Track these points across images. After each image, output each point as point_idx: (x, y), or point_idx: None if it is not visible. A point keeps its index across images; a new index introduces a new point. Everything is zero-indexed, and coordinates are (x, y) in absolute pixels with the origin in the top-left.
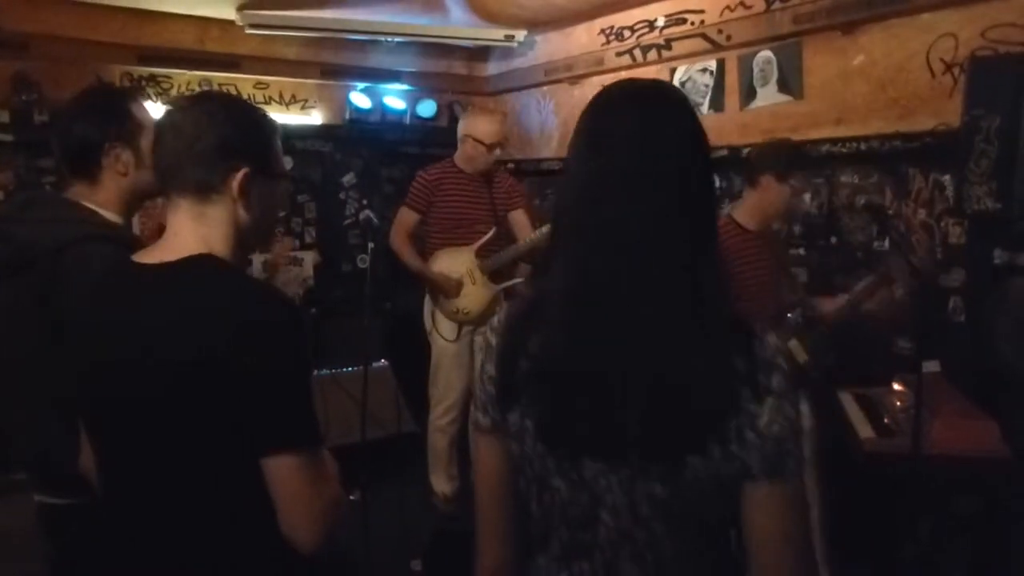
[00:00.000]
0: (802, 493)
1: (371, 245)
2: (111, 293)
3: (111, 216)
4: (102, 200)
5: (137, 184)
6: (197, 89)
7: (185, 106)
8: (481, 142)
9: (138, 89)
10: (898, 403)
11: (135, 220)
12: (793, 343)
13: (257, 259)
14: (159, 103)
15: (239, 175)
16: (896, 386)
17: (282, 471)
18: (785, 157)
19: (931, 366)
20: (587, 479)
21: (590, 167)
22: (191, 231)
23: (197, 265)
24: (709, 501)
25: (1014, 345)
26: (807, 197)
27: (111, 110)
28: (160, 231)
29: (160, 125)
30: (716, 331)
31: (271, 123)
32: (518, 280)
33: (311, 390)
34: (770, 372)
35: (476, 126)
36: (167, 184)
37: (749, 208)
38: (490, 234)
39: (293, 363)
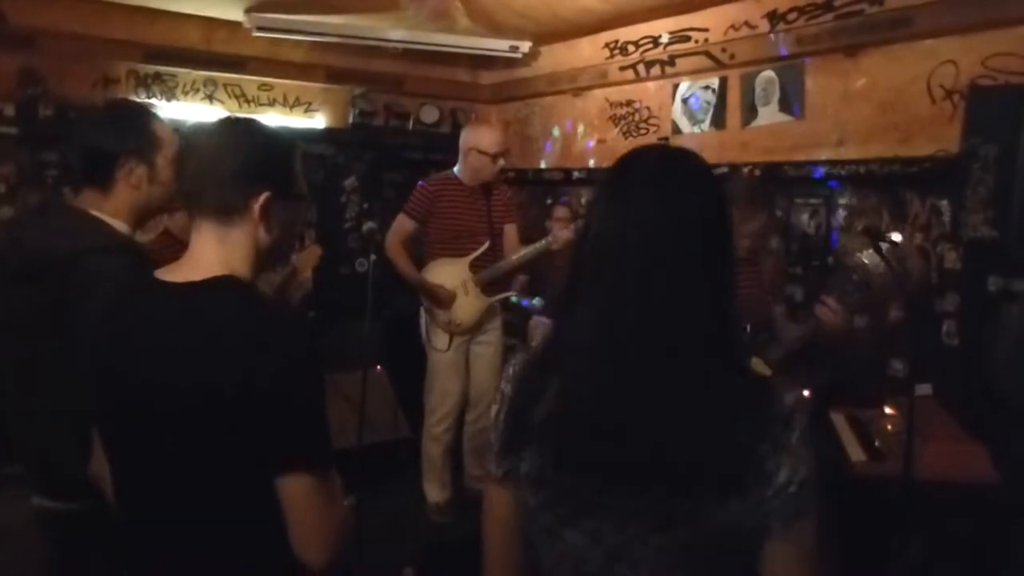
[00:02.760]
0: (816, 547)
1: (373, 257)
2: (134, 309)
3: (119, 226)
4: (112, 210)
5: (149, 199)
6: (202, 88)
7: (207, 131)
8: (485, 153)
9: (153, 110)
10: (889, 427)
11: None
12: (755, 360)
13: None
14: (164, 101)
15: (261, 199)
16: (888, 409)
17: (297, 490)
18: (745, 192)
19: (923, 389)
20: (602, 531)
21: (614, 219)
22: (214, 251)
23: (220, 286)
24: (727, 553)
25: (1011, 372)
26: (804, 218)
27: (132, 124)
28: (164, 237)
29: (182, 149)
30: (736, 388)
31: (292, 146)
32: (511, 293)
33: (326, 410)
34: (787, 428)
35: (479, 138)
36: (190, 206)
37: None
38: (484, 247)
39: (311, 384)
